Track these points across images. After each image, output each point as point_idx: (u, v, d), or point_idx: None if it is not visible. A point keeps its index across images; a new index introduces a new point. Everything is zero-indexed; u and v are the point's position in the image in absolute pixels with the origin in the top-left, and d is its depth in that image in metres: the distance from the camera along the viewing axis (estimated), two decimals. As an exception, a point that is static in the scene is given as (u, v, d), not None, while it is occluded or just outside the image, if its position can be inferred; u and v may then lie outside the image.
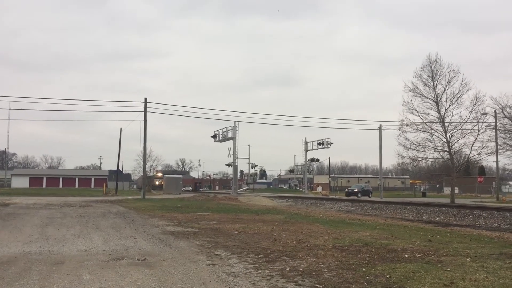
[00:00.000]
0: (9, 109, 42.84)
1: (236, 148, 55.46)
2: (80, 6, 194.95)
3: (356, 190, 57.87)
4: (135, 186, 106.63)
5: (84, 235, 12.00)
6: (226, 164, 64.37)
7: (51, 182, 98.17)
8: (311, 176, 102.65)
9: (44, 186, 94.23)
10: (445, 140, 35.33)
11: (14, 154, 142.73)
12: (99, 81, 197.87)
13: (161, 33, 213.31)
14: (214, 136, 58.03)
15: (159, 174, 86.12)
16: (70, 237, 11.47)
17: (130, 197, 41.02)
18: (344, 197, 48.74)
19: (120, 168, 71.29)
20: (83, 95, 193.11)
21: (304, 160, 73.19)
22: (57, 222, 15.71)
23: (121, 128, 56.69)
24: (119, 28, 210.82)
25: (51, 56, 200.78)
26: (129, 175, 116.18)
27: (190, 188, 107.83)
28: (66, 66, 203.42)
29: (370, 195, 56.53)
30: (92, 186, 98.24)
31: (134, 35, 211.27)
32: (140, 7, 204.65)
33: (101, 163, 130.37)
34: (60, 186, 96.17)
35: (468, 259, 8.34)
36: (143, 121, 41.85)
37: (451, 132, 35.39)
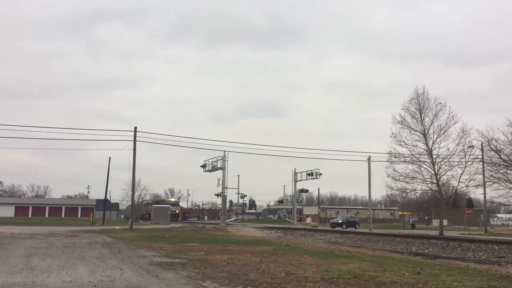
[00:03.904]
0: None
1: (226, 178, 55.24)
2: (63, 34, 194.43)
3: (340, 221, 58.30)
4: (122, 216, 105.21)
5: (69, 265, 11.81)
6: (215, 194, 64.26)
7: (37, 211, 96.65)
8: (300, 207, 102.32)
9: (30, 215, 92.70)
10: (433, 172, 35.54)
11: (0, 182, 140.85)
12: (84, 109, 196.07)
13: (145, 62, 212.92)
14: (204, 166, 57.87)
15: (172, 199, 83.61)
16: (55, 268, 11.27)
17: (117, 227, 40.47)
18: (334, 229, 48.57)
19: (108, 197, 70.53)
20: (67, 123, 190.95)
21: (293, 191, 73.03)
22: (42, 252, 15.44)
23: (110, 157, 56.33)
24: (102, 57, 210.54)
25: (34, 84, 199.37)
26: (117, 204, 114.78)
27: (179, 218, 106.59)
28: (49, 94, 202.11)
29: (357, 226, 56.52)
30: (79, 215, 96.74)
31: (118, 63, 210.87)
32: (124, 36, 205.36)
33: (88, 192, 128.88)
34: (47, 215, 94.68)
35: (457, 292, 8.34)
36: (131, 150, 41.77)
37: (439, 164, 35.66)
